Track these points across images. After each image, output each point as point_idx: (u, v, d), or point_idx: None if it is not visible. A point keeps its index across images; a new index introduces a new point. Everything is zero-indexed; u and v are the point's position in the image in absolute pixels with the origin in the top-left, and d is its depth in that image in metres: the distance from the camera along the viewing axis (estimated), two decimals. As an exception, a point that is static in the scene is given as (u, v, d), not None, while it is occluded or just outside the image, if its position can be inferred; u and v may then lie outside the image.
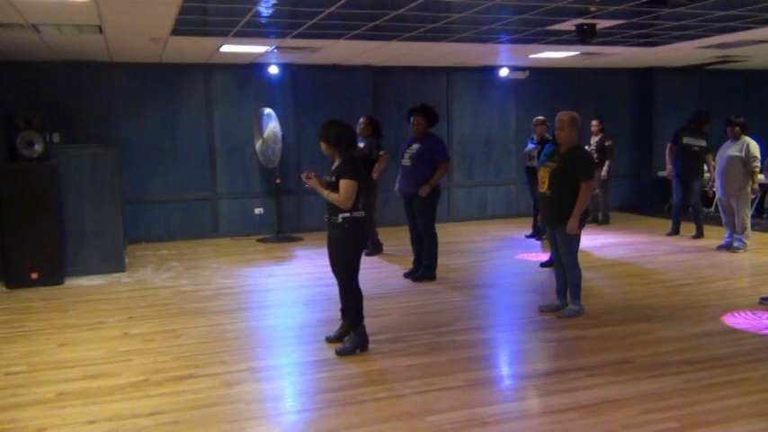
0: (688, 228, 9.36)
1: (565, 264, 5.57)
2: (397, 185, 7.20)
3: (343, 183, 4.61)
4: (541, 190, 5.55)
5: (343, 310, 4.97)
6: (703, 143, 9.04)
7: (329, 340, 4.96)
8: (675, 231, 9.42)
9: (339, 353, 4.75)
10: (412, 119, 6.97)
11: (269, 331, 5.48)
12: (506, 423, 3.66)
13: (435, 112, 7.04)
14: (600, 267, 7.58)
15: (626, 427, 3.54)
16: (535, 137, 9.06)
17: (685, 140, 9.10)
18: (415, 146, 6.91)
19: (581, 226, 5.44)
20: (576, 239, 5.49)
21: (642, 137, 12.08)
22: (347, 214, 4.66)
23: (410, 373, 4.36)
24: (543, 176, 5.50)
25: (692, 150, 9.07)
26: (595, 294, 6.38)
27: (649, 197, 11.97)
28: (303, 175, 4.86)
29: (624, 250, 8.53)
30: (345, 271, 4.81)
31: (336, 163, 4.78)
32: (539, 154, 8.19)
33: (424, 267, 6.99)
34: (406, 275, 7.06)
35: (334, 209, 4.69)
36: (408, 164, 6.93)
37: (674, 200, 9.52)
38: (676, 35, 7.89)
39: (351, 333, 4.83)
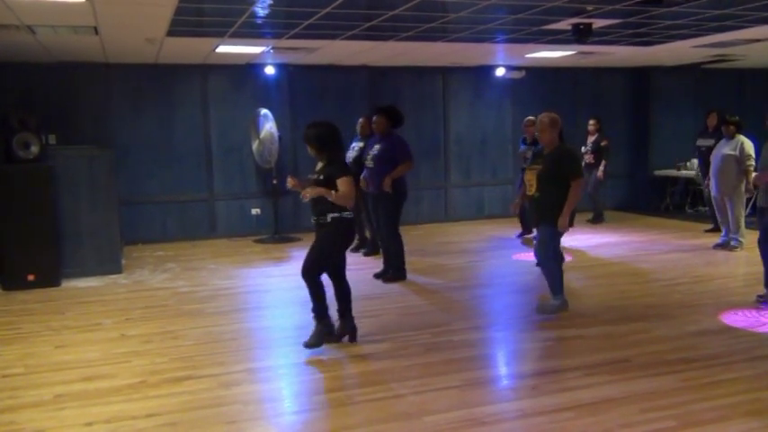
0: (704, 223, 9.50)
1: (541, 260, 5.61)
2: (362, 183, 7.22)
3: (341, 181, 4.62)
4: (529, 193, 5.54)
5: (341, 311, 4.97)
6: (711, 142, 9.00)
7: (326, 342, 4.94)
8: (717, 227, 9.13)
9: (307, 345, 4.75)
10: (374, 118, 6.99)
11: (267, 332, 5.47)
12: (504, 423, 3.66)
13: (399, 113, 7.01)
14: (597, 266, 7.59)
15: (624, 425, 3.54)
16: (527, 137, 9.06)
17: (697, 142, 9.38)
18: (377, 146, 6.92)
19: (569, 224, 5.47)
20: (555, 238, 5.51)
21: (638, 136, 12.10)
22: (336, 214, 4.66)
23: (408, 374, 4.35)
24: (530, 179, 5.49)
25: (701, 150, 9.29)
26: (592, 294, 6.39)
27: (646, 196, 11.99)
28: (289, 182, 4.85)
29: (621, 249, 8.55)
30: (314, 263, 4.73)
31: (321, 164, 4.78)
32: (533, 155, 8.19)
33: (392, 269, 6.97)
34: (377, 276, 7.02)
35: (322, 209, 4.67)
36: (371, 165, 6.95)
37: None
38: (672, 34, 7.91)
39: (316, 326, 4.82)
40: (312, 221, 4.82)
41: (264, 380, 4.38)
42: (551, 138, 5.44)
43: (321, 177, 4.71)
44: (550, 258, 5.56)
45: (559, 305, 5.59)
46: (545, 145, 5.52)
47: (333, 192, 4.63)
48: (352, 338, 4.97)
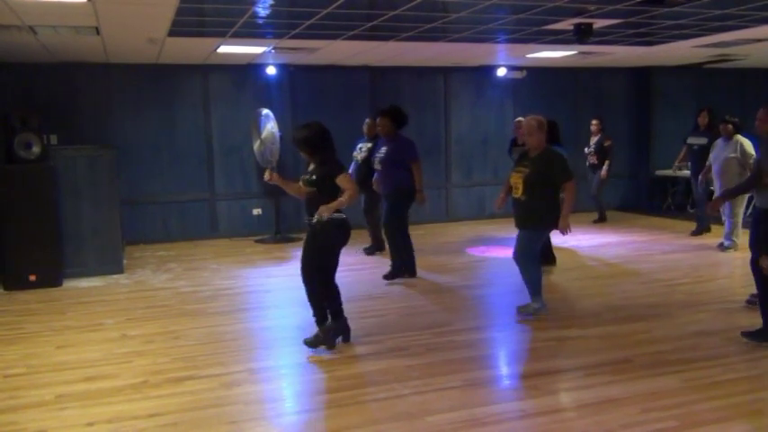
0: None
1: (524, 262, 5.57)
2: (374, 185, 7.28)
3: (342, 179, 4.63)
4: (515, 196, 5.49)
5: (333, 312, 4.89)
6: (703, 140, 8.99)
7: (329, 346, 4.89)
8: (701, 230, 9.27)
9: (307, 343, 4.77)
10: (378, 120, 6.98)
11: (268, 332, 5.47)
12: (506, 423, 3.66)
13: (403, 113, 6.99)
14: (598, 266, 7.58)
15: (625, 426, 3.54)
16: (518, 139, 9.01)
17: (689, 140, 9.31)
18: (384, 149, 6.92)
19: (549, 228, 5.53)
20: (537, 241, 5.54)
21: (640, 136, 12.09)
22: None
23: (409, 374, 4.35)
24: (516, 182, 5.46)
25: (692, 149, 9.21)
26: (594, 294, 6.38)
27: (648, 196, 11.98)
28: (266, 175, 4.83)
29: (622, 249, 8.54)
30: (324, 268, 4.76)
31: (313, 165, 4.75)
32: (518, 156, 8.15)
33: (406, 269, 6.94)
34: (385, 277, 6.92)
35: (316, 209, 4.62)
36: (379, 168, 6.96)
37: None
38: (673, 34, 7.90)
39: (332, 323, 4.84)
40: (306, 221, 4.79)
41: (266, 380, 4.38)
42: (539, 140, 5.45)
43: (314, 177, 4.69)
44: (530, 261, 5.56)
45: (540, 308, 5.56)
46: (532, 148, 5.50)
47: (341, 199, 4.60)
48: (346, 338, 4.95)
